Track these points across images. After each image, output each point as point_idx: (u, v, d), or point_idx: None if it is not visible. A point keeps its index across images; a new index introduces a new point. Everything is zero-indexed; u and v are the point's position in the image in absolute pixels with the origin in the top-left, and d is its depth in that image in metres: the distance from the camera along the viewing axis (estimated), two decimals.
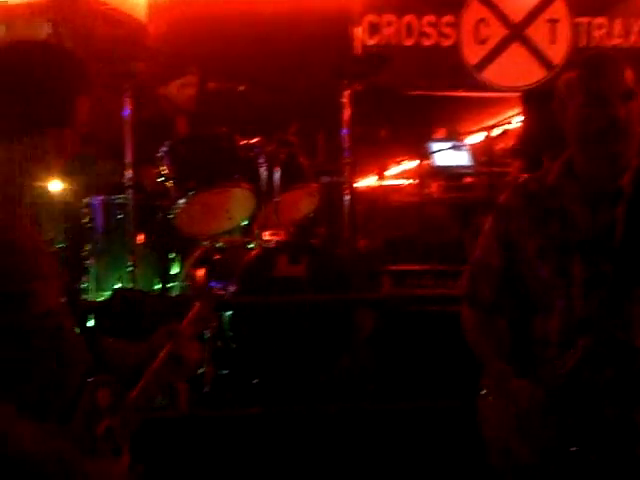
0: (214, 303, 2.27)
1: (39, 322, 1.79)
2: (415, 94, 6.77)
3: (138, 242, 4.76)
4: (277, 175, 4.62)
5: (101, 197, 4.81)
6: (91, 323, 4.34)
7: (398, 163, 7.57)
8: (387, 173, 7.34)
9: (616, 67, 2.19)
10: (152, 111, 5.33)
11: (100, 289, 4.71)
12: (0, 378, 1.72)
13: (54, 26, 5.08)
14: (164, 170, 4.58)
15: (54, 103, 1.83)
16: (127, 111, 4.40)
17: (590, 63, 2.24)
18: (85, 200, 4.83)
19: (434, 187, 6.65)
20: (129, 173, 4.43)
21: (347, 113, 5.11)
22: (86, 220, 4.83)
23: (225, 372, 4.15)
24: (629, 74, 2.18)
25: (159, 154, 4.57)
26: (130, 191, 4.41)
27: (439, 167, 6.86)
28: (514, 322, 2.37)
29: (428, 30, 6.69)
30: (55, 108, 1.83)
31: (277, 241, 4.47)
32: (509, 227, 2.36)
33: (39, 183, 1.91)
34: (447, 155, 7.01)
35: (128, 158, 4.44)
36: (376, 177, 7.14)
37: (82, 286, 4.72)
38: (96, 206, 4.83)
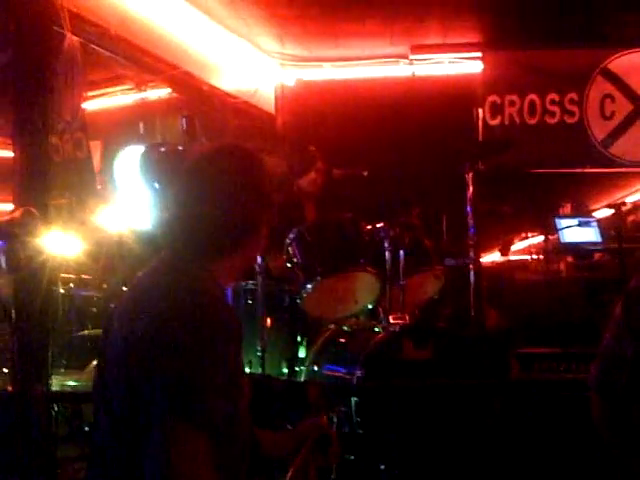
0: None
1: (242, 414, 1.87)
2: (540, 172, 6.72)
3: (267, 327, 4.86)
4: (402, 258, 4.66)
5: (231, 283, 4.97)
6: None
7: (523, 239, 7.49)
8: (513, 249, 7.27)
9: None
10: (282, 198, 5.51)
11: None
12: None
13: (189, 121, 5.35)
14: (292, 256, 4.69)
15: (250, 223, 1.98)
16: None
17: None
18: None
19: (562, 265, 6.53)
20: (258, 259, 4.56)
21: (470, 193, 5.12)
22: None
23: (352, 457, 4.14)
24: None
25: (287, 240, 4.70)
26: (259, 277, 4.53)
27: (566, 243, 6.76)
28: None
29: (551, 108, 6.67)
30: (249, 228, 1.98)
31: (403, 325, 4.48)
32: None
33: None
34: (574, 231, 6.90)
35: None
36: (499, 253, 7.08)
37: None
38: (227, 292, 4.98)
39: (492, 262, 7.24)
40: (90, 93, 6.76)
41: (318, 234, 4.66)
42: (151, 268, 1.94)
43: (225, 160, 1.98)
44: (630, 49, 6.57)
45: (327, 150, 6.34)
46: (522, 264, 7.30)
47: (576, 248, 6.72)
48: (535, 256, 7.27)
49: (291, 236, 4.68)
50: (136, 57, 5.40)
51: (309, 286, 4.56)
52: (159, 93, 6.35)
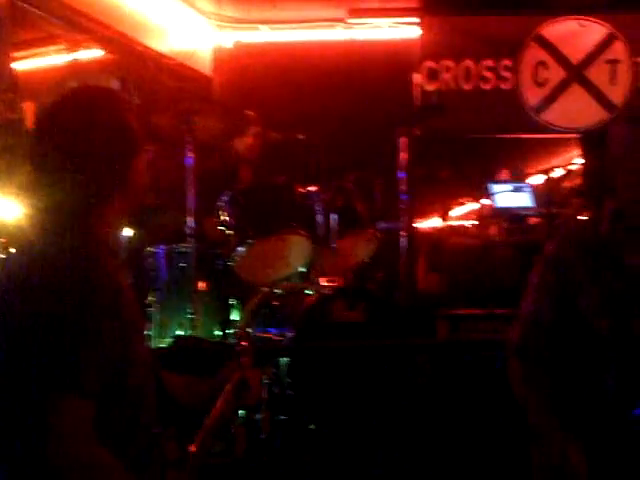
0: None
1: (135, 365, 1.87)
2: (476, 137, 6.80)
3: (199, 290, 4.87)
4: (334, 222, 4.69)
5: (164, 246, 4.94)
6: None
7: (461, 205, 7.62)
8: (452, 214, 7.40)
9: None
10: (216, 161, 5.49)
11: (163, 336, 4.82)
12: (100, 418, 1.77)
13: (123, 82, 5.28)
14: (225, 219, 4.69)
15: (114, 171, 1.91)
16: (189, 161, 4.54)
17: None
18: (149, 249, 4.98)
19: (494, 229, 6.64)
20: (191, 222, 4.55)
21: (403, 158, 5.17)
22: (151, 268, 4.97)
23: (282, 418, 4.20)
24: None
25: (220, 203, 4.69)
26: (192, 240, 4.53)
27: (500, 209, 6.89)
28: (565, 377, 2.33)
29: (487, 74, 6.73)
30: (115, 176, 1.92)
31: (334, 287, 4.53)
32: (562, 279, 2.29)
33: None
34: (508, 197, 7.02)
35: (190, 208, 4.57)
36: (440, 219, 7.20)
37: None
38: (160, 255, 4.96)
39: (431, 227, 7.34)
40: (21, 53, 6.61)
41: (251, 197, 4.66)
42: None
43: (79, 103, 1.94)
44: (563, 16, 6.64)
45: (264, 114, 6.31)
46: (460, 229, 7.42)
47: (509, 213, 6.84)
48: (472, 221, 7.41)
49: (224, 199, 4.68)
50: (68, 16, 5.29)
51: (241, 249, 4.57)
52: (93, 54, 6.23)
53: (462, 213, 7.64)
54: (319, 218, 4.67)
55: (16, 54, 6.52)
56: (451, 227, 7.32)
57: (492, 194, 7.04)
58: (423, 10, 6.72)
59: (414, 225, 6.21)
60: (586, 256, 2.28)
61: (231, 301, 4.93)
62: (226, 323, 4.89)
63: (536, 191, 7.05)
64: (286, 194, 4.70)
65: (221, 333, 4.86)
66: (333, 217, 4.69)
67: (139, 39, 6.04)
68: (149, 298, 4.95)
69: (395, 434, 4.15)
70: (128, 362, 1.83)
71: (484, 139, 6.93)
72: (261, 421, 4.19)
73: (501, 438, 3.97)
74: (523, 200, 6.95)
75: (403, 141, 5.20)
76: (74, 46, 6.18)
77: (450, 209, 7.40)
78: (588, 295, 2.26)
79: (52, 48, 6.18)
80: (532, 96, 6.74)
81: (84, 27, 5.48)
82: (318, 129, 6.24)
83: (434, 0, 6.71)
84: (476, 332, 4.46)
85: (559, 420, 2.24)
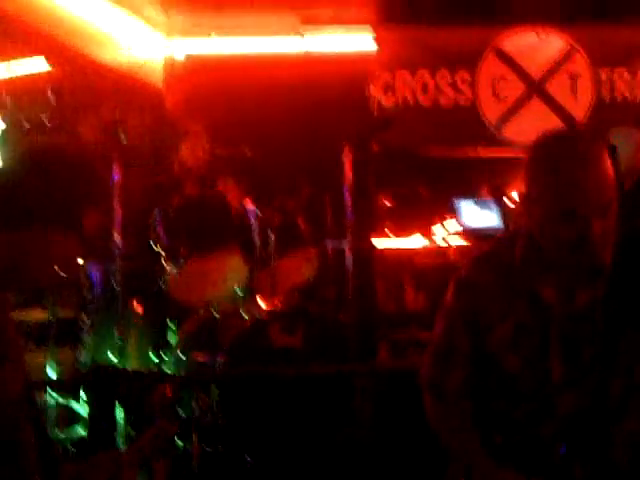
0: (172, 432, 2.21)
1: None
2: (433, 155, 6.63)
3: (135, 311, 4.67)
4: (271, 241, 4.50)
5: (98, 266, 4.73)
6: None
7: (437, 222, 7.36)
8: (436, 232, 7.12)
9: (593, 163, 1.88)
10: (157, 175, 5.32)
11: (95, 362, 4.60)
12: None
13: (57, 96, 5.08)
14: (156, 237, 4.49)
15: (64, 206, 1.82)
16: (116, 177, 4.33)
17: (557, 159, 1.92)
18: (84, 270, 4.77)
19: (453, 250, 6.46)
20: (118, 240, 4.35)
21: (349, 175, 4.97)
22: (83, 287, 4.76)
23: (210, 450, 3.97)
24: (605, 164, 1.89)
25: (151, 221, 4.49)
26: (117, 259, 4.32)
27: (468, 227, 6.66)
28: (483, 410, 2.13)
29: (444, 88, 6.55)
30: (64, 210, 1.81)
31: (269, 311, 4.32)
32: (475, 305, 2.09)
33: None
34: (475, 215, 6.81)
35: (117, 225, 4.36)
36: (421, 236, 6.92)
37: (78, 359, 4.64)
38: (94, 276, 4.75)
39: (391, 248, 7.08)
40: None
41: (182, 214, 4.47)
42: None
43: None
44: (520, 26, 6.47)
45: (214, 127, 6.13)
46: (423, 250, 7.19)
47: (476, 232, 6.62)
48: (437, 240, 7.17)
49: (155, 217, 4.48)
50: (7, 25, 5.06)
51: (173, 268, 4.38)
52: (33, 65, 6.02)
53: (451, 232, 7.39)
54: (256, 236, 4.48)
55: None
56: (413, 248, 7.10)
57: (459, 212, 6.84)
58: (377, 20, 6.53)
59: (371, 243, 6.04)
60: (499, 283, 2.07)
61: (169, 324, 4.74)
62: (162, 346, 4.69)
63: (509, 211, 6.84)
64: (219, 211, 4.51)
65: (156, 358, 4.65)
66: (270, 236, 4.50)
67: (83, 50, 5.82)
68: (81, 318, 4.75)
69: (326, 465, 3.93)
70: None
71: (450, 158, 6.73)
72: (191, 453, 4.00)
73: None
74: (490, 219, 6.73)
75: (348, 157, 4.99)
76: (11, 56, 5.98)
77: (429, 228, 7.17)
78: (500, 327, 2.06)
79: None
80: (491, 111, 6.56)
81: (24, 36, 5.25)
82: (268, 144, 6.09)
83: (389, 10, 6.52)
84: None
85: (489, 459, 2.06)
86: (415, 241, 6.90)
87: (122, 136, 4.33)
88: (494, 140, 6.57)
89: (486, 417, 2.14)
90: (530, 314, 2.03)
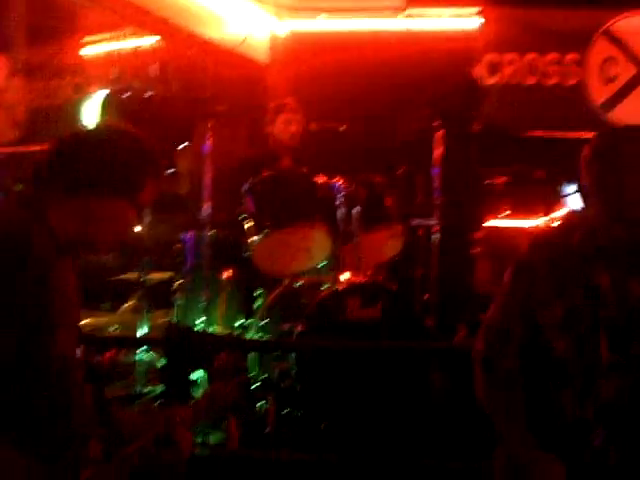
0: (235, 389, 2.31)
1: (53, 363, 1.87)
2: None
3: (224, 278, 4.84)
4: (356, 216, 4.55)
5: (192, 233, 4.93)
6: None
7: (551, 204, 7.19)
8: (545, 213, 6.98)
9: None
10: (261, 148, 5.45)
11: (184, 323, 4.81)
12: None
13: (161, 67, 5.29)
14: (245, 208, 4.64)
15: (125, 179, 1.98)
16: (207, 147, 4.49)
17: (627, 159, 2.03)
18: (178, 236, 5.00)
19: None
20: (208, 209, 4.51)
21: (438, 153, 4.97)
22: (177, 255, 4.98)
23: (286, 412, 4.12)
24: None
25: (242, 192, 4.63)
26: (207, 229, 4.49)
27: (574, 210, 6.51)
28: (532, 392, 2.18)
29: (551, 69, 6.42)
30: (124, 182, 1.97)
31: (349, 283, 4.39)
32: (532, 290, 2.15)
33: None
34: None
35: (207, 194, 4.52)
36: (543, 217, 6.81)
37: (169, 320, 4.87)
38: (188, 241, 4.96)
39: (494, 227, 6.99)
40: (86, 39, 6.74)
41: (271, 187, 4.58)
42: None
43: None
44: (633, 10, 6.25)
45: (313, 104, 6.23)
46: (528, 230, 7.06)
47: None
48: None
49: (245, 187, 4.62)
50: (122, 7, 5.30)
51: (258, 238, 4.51)
52: (147, 42, 6.28)
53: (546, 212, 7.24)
54: (340, 211, 4.54)
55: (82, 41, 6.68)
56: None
57: (566, 196, 6.69)
58: (485, 1, 6.45)
59: (464, 222, 6.00)
60: (555, 268, 2.12)
61: (257, 292, 4.89)
62: (248, 313, 4.84)
63: None
64: (306, 185, 4.60)
65: (240, 322, 4.81)
66: (355, 211, 4.55)
67: (191, 27, 6.01)
68: (175, 284, 4.98)
69: (398, 436, 3.99)
70: (42, 358, 1.83)
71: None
72: (267, 414, 4.14)
73: None
74: None
75: (440, 135, 5.00)
76: (129, 34, 6.28)
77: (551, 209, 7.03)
78: (552, 309, 2.10)
79: (106, 35, 6.27)
80: (599, 93, 6.39)
81: (136, 16, 5.49)
82: (365, 121, 6.14)
83: None
84: None
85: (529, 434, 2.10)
86: (524, 222, 6.82)
87: (217, 108, 4.46)
88: (600, 123, 6.39)
89: (532, 398, 2.17)
90: (582, 299, 2.06)
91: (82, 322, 5.31)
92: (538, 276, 2.14)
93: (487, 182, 6.71)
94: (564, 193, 6.71)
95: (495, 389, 2.21)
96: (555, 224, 2.41)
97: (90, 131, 2.12)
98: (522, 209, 6.67)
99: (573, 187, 6.78)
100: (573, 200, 6.63)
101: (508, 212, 6.57)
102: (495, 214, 6.52)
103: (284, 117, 5.26)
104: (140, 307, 4.82)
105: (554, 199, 6.81)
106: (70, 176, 1.93)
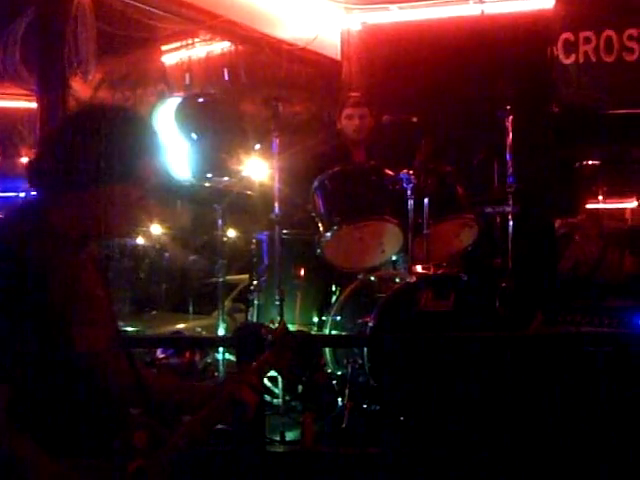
0: (291, 347, 2.23)
1: (78, 361, 1.91)
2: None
3: (298, 276, 4.87)
4: (426, 207, 4.51)
5: (267, 232, 4.97)
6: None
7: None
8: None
9: None
10: (332, 144, 5.46)
11: (261, 320, 4.87)
12: (32, 407, 1.83)
13: (234, 71, 5.37)
14: (315, 205, 4.66)
15: (122, 163, 1.98)
16: (275, 149, 4.53)
17: None
18: (254, 235, 5.06)
19: None
20: (277, 208, 4.55)
21: (510, 139, 4.88)
22: (253, 255, 5.05)
23: (365, 407, 4.12)
24: None
25: (312, 189, 4.66)
26: (278, 227, 4.52)
27: None
28: None
29: (630, 44, 6.19)
30: (122, 167, 1.98)
31: (420, 275, 4.36)
32: None
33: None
34: None
35: (275, 193, 4.56)
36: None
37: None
38: (263, 241, 5.01)
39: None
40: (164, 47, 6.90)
41: (339, 183, 4.59)
42: None
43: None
44: None
45: (386, 96, 6.20)
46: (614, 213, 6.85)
47: None
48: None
49: (315, 184, 4.65)
50: (178, 10, 5.42)
51: (328, 234, 4.53)
52: (220, 46, 6.38)
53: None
54: (410, 203, 4.51)
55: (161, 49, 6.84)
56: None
57: None
58: None
59: (542, 209, 5.87)
60: None
61: (332, 288, 4.91)
62: (324, 309, 4.86)
63: None
64: (375, 178, 4.59)
65: (317, 319, 4.84)
66: (425, 202, 4.51)
67: (262, 28, 6.08)
68: (253, 283, 5.04)
69: (477, 428, 3.93)
70: (63, 357, 1.86)
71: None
72: (344, 410, 4.15)
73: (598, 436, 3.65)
74: None
75: (510, 120, 4.89)
76: (204, 40, 6.38)
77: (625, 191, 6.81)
78: None
79: (180, 43, 6.40)
80: None
81: (195, 18, 5.60)
82: (440, 110, 6.08)
83: None
84: (572, 325, 4.13)
85: None
86: (620, 204, 6.60)
87: (281, 109, 4.49)
88: None
89: None
90: None
91: (177, 326, 5.51)
92: None
93: (578, 164, 6.56)
94: None
95: None
96: None
97: (76, 121, 2.04)
98: (617, 191, 6.48)
99: None
100: None
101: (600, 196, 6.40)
102: (589, 197, 6.35)
103: (347, 112, 5.27)
104: (233, 309, 4.93)
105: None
106: (68, 172, 1.94)
